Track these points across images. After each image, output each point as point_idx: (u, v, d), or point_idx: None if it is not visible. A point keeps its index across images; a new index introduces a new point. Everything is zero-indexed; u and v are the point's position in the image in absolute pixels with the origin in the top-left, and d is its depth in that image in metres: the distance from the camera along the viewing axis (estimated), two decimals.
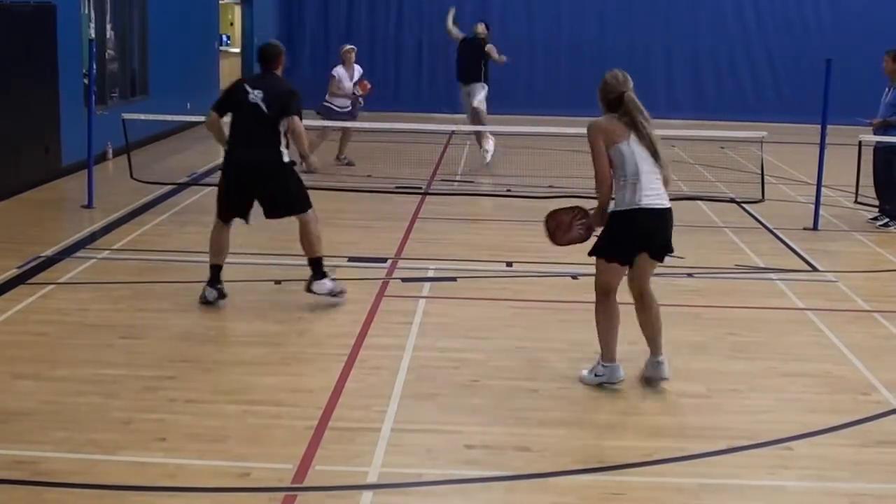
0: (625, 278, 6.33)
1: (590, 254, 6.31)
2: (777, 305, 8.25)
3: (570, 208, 6.47)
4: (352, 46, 15.46)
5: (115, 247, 9.69)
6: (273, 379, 6.32)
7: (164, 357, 6.62)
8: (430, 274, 8.89)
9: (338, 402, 5.92)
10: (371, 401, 5.97)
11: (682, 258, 9.70)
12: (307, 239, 7.86)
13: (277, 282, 8.53)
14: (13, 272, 8.54)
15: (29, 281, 8.34)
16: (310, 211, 7.89)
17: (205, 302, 7.81)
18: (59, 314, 7.49)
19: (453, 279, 8.77)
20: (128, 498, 4.74)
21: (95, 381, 6.13)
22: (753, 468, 5.25)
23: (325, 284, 7.85)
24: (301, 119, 7.78)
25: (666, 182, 6.19)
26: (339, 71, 15.31)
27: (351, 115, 15.26)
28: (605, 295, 6.29)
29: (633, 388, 6.30)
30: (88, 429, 5.45)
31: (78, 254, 9.32)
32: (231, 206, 7.90)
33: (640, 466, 5.23)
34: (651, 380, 6.33)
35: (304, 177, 8.09)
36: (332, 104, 15.20)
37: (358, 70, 15.38)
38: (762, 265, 9.57)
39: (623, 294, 6.33)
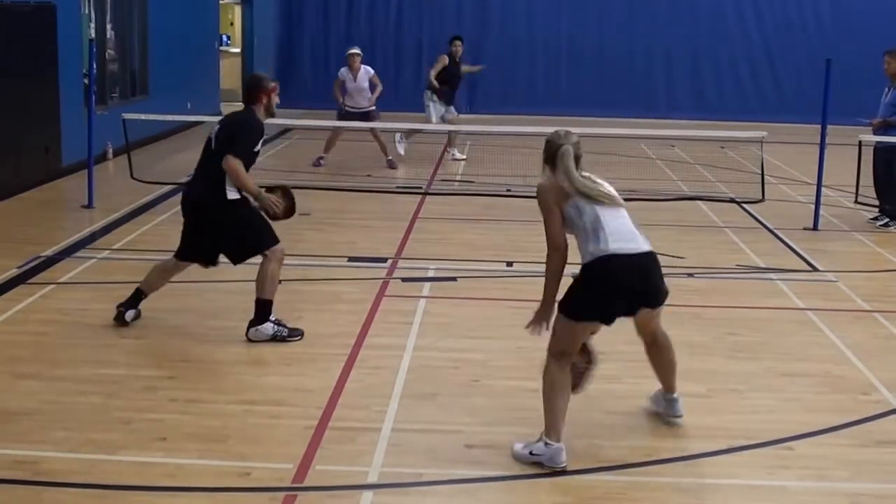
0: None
1: (558, 307, 5.41)
2: (777, 305, 8.25)
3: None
4: (356, 51, 15.25)
5: (115, 247, 9.69)
6: (273, 379, 6.32)
7: (165, 357, 6.62)
8: (431, 274, 8.89)
9: (338, 402, 5.93)
10: (371, 401, 5.97)
11: (682, 258, 9.72)
12: (260, 276, 7.09)
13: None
14: (13, 272, 8.54)
15: (29, 281, 8.35)
16: (274, 249, 7.13)
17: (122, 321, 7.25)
18: (59, 314, 7.49)
19: (453, 279, 8.77)
20: (128, 497, 4.75)
21: (96, 381, 6.13)
22: (753, 468, 5.25)
23: (268, 329, 7.03)
24: (239, 156, 6.88)
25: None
26: (342, 71, 15.29)
27: (368, 116, 15.19)
28: (558, 358, 5.34)
29: (632, 388, 6.30)
30: (89, 429, 5.45)
31: (78, 254, 9.33)
32: (185, 246, 7.31)
33: (640, 466, 5.23)
34: (664, 416, 5.82)
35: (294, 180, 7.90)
36: (344, 105, 15.19)
37: (367, 70, 15.19)
38: (762, 265, 9.57)
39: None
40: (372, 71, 15.32)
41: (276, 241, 7.17)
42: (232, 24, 26.47)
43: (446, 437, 5.51)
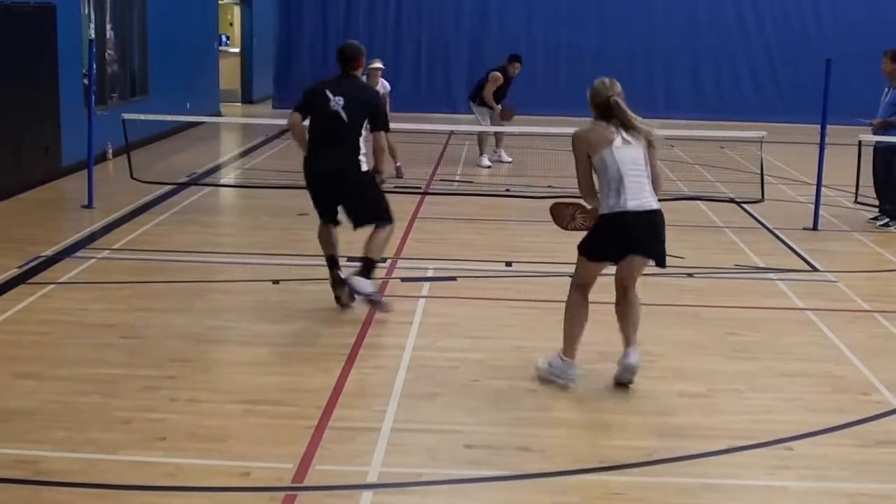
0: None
1: (578, 248, 6.34)
2: (777, 305, 8.25)
3: (568, 205, 6.59)
4: (379, 65, 14.26)
5: (115, 247, 9.69)
6: (273, 379, 6.32)
7: (165, 357, 6.62)
8: (430, 274, 8.89)
9: (338, 401, 5.92)
10: (371, 400, 5.97)
11: (682, 258, 9.71)
12: (375, 240, 7.66)
13: (276, 281, 8.53)
14: (13, 272, 8.54)
15: (29, 281, 8.35)
16: (391, 225, 7.74)
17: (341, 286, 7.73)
18: (59, 314, 7.49)
19: (453, 279, 8.77)
20: (128, 497, 4.74)
21: (96, 381, 6.13)
22: (753, 468, 5.25)
23: (367, 286, 7.46)
24: (388, 130, 7.71)
25: (656, 182, 6.28)
26: None
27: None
28: (580, 290, 6.34)
29: (633, 389, 6.30)
30: (89, 428, 5.45)
31: (78, 254, 9.32)
32: (321, 210, 7.80)
33: (640, 466, 5.22)
34: (624, 372, 6.29)
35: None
36: None
37: (385, 86, 14.27)
38: (762, 265, 9.58)
39: (602, 294, 6.33)
40: (388, 87, 14.49)
41: (393, 218, 7.79)
42: (231, 24, 26.50)
43: (446, 436, 5.51)
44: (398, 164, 14.43)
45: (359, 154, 7.57)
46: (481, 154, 15.53)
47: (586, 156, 6.12)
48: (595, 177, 6.17)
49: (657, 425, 5.75)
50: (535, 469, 5.16)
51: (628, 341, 6.38)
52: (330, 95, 7.55)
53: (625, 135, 6.12)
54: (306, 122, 7.71)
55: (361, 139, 7.59)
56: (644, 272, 8.43)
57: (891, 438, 5.70)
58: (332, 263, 7.92)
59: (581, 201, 6.48)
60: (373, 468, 5.08)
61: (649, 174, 6.18)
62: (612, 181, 6.05)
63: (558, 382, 6.29)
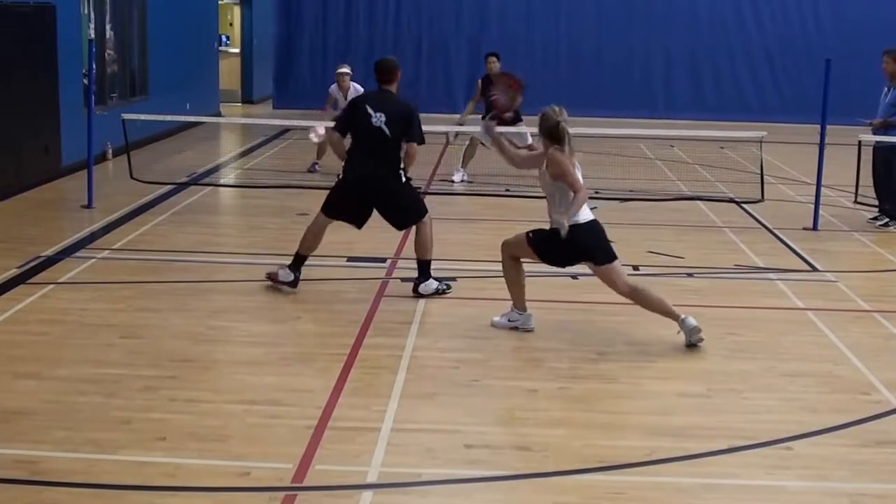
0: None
1: (527, 236, 7.15)
2: (777, 305, 8.25)
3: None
4: (346, 70, 14.42)
5: (114, 247, 9.69)
6: (273, 378, 6.32)
7: (164, 357, 6.62)
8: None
9: (338, 401, 5.92)
10: (370, 400, 5.97)
11: (681, 258, 9.72)
12: (420, 242, 8.24)
13: None
14: (13, 272, 8.54)
15: (29, 281, 8.35)
16: (428, 216, 8.29)
17: (276, 280, 8.15)
18: (59, 314, 7.49)
19: (453, 279, 8.77)
20: (128, 497, 4.74)
21: (95, 381, 6.13)
22: (753, 468, 5.25)
23: (432, 285, 8.18)
24: (423, 142, 8.24)
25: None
26: (332, 89, 14.82)
27: None
28: (514, 260, 7.29)
29: (632, 388, 6.31)
30: (88, 428, 5.45)
31: (78, 254, 9.32)
32: (342, 211, 8.24)
33: (640, 466, 5.22)
34: (692, 341, 7.01)
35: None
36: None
37: (356, 89, 14.05)
38: (762, 265, 9.58)
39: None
40: (361, 89, 14.01)
41: (426, 210, 8.37)
42: (231, 24, 26.50)
43: (445, 436, 5.51)
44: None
45: (399, 166, 8.12)
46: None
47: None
48: (551, 194, 7.03)
49: (657, 425, 5.75)
50: (535, 469, 5.17)
51: (675, 318, 7.07)
52: (371, 112, 8.01)
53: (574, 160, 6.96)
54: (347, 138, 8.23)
55: (402, 152, 8.14)
56: (644, 272, 8.47)
57: (891, 438, 5.70)
58: (302, 263, 8.26)
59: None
60: (373, 468, 5.08)
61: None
62: (558, 199, 6.95)
63: (518, 329, 7.25)
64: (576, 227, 6.83)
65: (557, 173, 6.91)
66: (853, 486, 5.08)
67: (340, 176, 8.26)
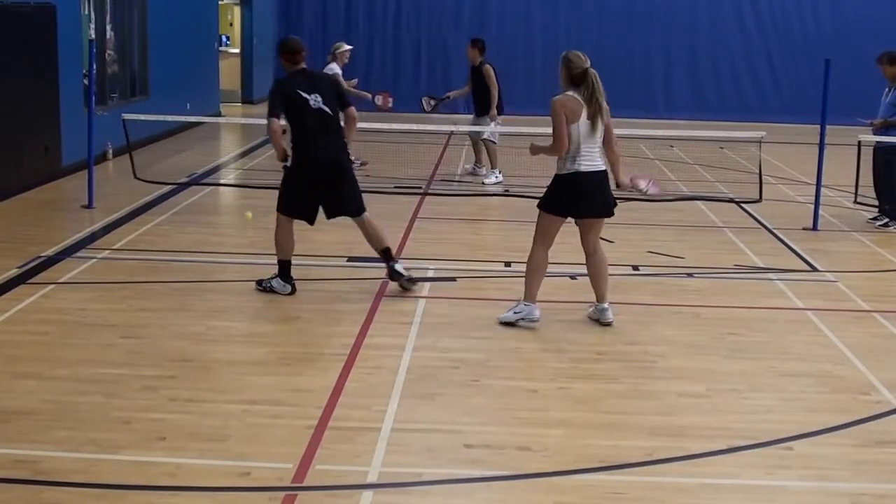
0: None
1: (538, 206, 7.42)
2: (777, 305, 8.26)
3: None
4: (350, 47, 14.81)
5: (115, 247, 9.69)
6: (273, 378, 6.32)
7: (165, 357, 6.62)
8: (430, 274, 8.88)
9: (338, 401, 5.93)
10: (371, 400, 5.97)
11: (681, 258, 9.72)
12: (375, 233, 8.25)
13: None
14: (14, 272, 8.54)
15: (29, 281, 8.35)
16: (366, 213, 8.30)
17: (267, 290, 8.12)
18: (59, 314, 7.49)
19: (453, 279, 8.77)
20: (128, 497, 4.75)
21: (96, 381, 6.13)
22: (753, 468, 5.25)
23: (400, 268, 8.22)
24: (351, 104, 8.27)
25: (610, 140, 7.40)
26: (333, 66, 14.93)
27: None
28: (540, 245, 7.40)
29: (632, 388, 6.31)
30: (89, 428, 5.45)
31: (78, 254, 9.33)
32: (298, 206, 8.19)
33: (640, 466, 5.23)
34: (598, 321, 7.50)
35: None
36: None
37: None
38: (762, 265, 9.58)
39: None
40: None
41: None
42: (231, 24, 26.49)
43: (446, 436, 5.51)
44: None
45: (346, 144, 8.16)
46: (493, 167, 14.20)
47: (564, 118, 7.11)
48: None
49: (657, 425, 5.75)
50: (535, 469, 5.17)
51: (602, 299, 7.52)
52: (305, 95, 7.95)
53: (587, 109, 7.15)
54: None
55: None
56: (643, 272, 8.47)
57: (891, 438, 5.70)
58: (289, 268, 8.19)
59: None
60: (373, 468, 5.08)
61: (600, 143, 7.31)
62: (572, 150, 7.18)
63: (524, 322, 7.38)
64: (575, 174, 7.20)
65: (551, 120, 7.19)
66: (853, 486, 5.08)
67: (289, 166, 8.12)
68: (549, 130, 7.28)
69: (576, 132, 7.16)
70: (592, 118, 7.18)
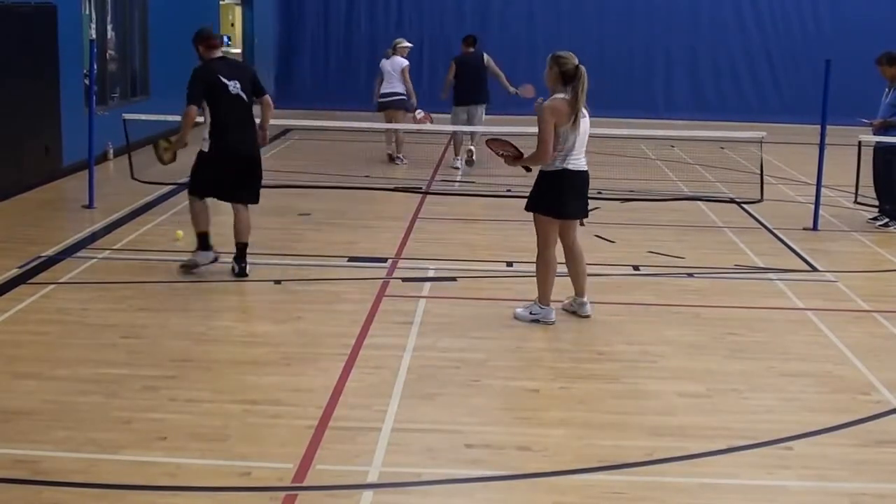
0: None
1: (525, 209, 7.51)
2: (777, 305, 8.26)
3: (503, 143, 7.59)
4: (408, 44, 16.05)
5: (115, 247, 9.69)
6: (273, 378, 6.32)
7: (165, 357, 6.63)
8: (431, 274, 8.89)
9: (338, 401, 5.93)
10: (371, 400, 5.98)
11: (681, 258, 9.72)
12: (246, 225, 8.50)
13: (277, 282, 8.53)
14: (14, 272, 8.55)
15: (30, 281, 8.35)
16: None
17: (193, 267, 8.57)
18: (59, 314, 7.49)
19: (453, 279, 8.78)
20: (128, 497, 4.75)
21: (96, 381, 6.14)
22: (753, 468, 5.26)
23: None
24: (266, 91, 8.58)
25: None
26: (401, 60, 15.62)
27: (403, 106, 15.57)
28: (544, 247, 7.45)
29: (633, 388, 6.31)
30: (89, 428, 5.45)
31: (79, 254, 9.33)
32: (209, 186, 8.53)
33: (640, 466, 5.23)
34: (575, 314, 7.69)
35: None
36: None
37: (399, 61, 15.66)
38: (762, 265, 9.58)
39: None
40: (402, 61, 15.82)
41: None
42: (232, 24, 26.51)
43: (446, 436, 5.52)
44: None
45: (260, 135, 8.57)
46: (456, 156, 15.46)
47: (553, 124, 7.16)
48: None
49: (657, 425, 5.76)
50: (535, 469, 5.17)
51: (581, 292, 7.70)
52: (226, 81, 8.29)
53: (573, 108, 7.19)
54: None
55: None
56: (644, 272, 8.48)
57: (890, 438, 5.70)
58: (208, 239, 8.66)
59: (511, 144, 7.55)
60: (373, 468, 5.08)
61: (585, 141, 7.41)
62: (565, 149, 7.24)
63: (539, 322, 7.46)
64: (563, 171, 7.29)
65: (537, 121, 7.27)
66: (853, 485, 5.08)
67: (206, 151, 8.45)
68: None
69: (567, 134, 7.22)
70: (577, 117, 7.24)
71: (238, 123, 8.35)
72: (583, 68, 7.23)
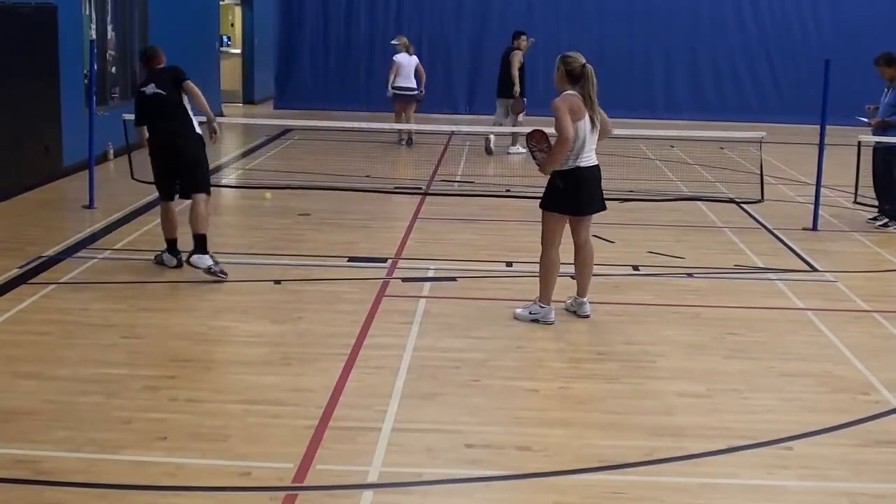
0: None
1: (540, 206, 7.50)
2: (777, 305, 8.26)
3: (541, 137, 7.47)
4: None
5: (116, 247, 9.70)
6: (273, 378, 6.33)
7: (165, 357, 6.63)
8: (431, 274, 8.90)
9: (338, 401, 5.93)
10: (371, 400, 5.98)
11: (681, 258, 9.73)
12: (200, 216, 8.60)
13: (277, 282, 8.54)
14: (14, 272, 8.55)
15: (30, 281, 8.36)
16: (208, 196, 8.78)
17: (160, 263, 8.92)
18: (60, 314, 7.50)
19: (453, 279, 8.78)
20: (129, 497, 4.75)
21: (96, 381, 6.14)
22: (753, 468, 5.26)
23: (206, 260, 8.48)
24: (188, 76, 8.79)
25: (605, 128, 7.47)
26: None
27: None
28: (549, 246, 7.46)
29: (633, 388, 6.32)
30: (90, 428, 5.46)
31: (79, 254, 9.34)
32: (163, 186, 9.00)
33: (640, 466, 5.24)
34: (574, 313, 7.70)
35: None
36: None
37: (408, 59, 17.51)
38: (762, 265, 9.58)
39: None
40: (410, 59, 17.75)
41: (210, 190, 8.91)
42: (232, 24, 26.50)
43: (446, 436, 5.52)
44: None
45: (192, 123, 8.84)
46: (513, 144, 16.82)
47: (569, 115, 7.15)
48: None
49: (657, 425, 5.76)
50: (535, 469, 5.18)
51: (583, 292, 7.71)
52: (144, 89, 8.84)
53: (585, 105, 7.24)
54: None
55: (189, 111, 8.87)
56: (644, 272, 8.49)
57: (890, 438, 5.71)
58: (174, 245, 8.93)
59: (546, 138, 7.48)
60: (373, 468, 5.09)
61: (596, 140, 7.42)
62: (576, 147, 7.24)
63: (539, 322, 7.47)
64: (576, 169, 7.31)
65: (555, 118, 7.22)
66: (853, 485, 5.09)
67: (149, 151, 8.93)
68: (551, 130, 7.30)
69: (582, 129, 7.23)
70: (591, 115, 7.28)
71: (161, 117, 8.76)
72: (590, 67, 7.27)
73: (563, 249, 7.58)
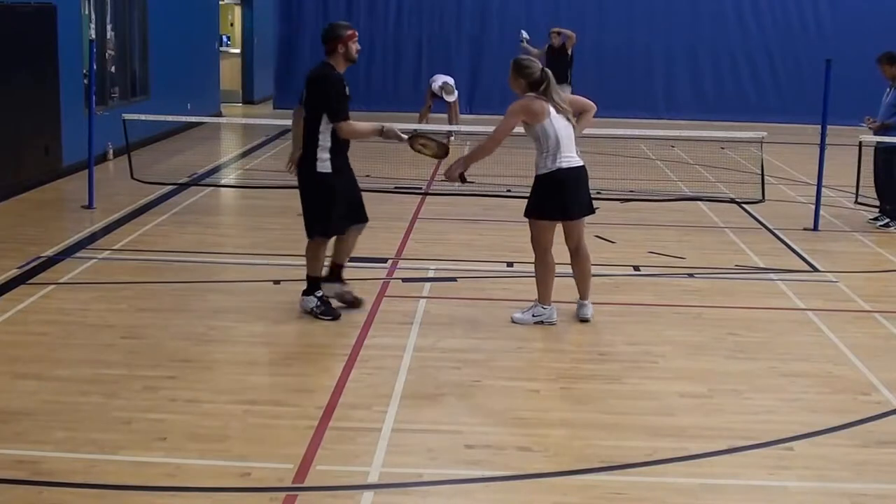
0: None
1: (525, 215, 7.39)
2: (777, 305, 8.25)
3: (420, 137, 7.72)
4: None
5: (115, 247, 9.69)
6: (273, 379, 6.32)
7: (165, 357, 6.62)
8: (431, 274, 8.89)
9: (338, 402, 5.92)
10: (372, 401, 5.97)
11: (682, 258, 9.72)
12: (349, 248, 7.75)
13: (277, 282, 8.53)
14: (14, 272, 8.55)
15: (30, 281, 8.35)
16: (317, 241, 7.43)
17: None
18: (59, 314, 7.49)
19: (453, 279, 8.77)
20: (128, 497, 4.75)
21: (96, 381, 6.13)
22: (753, 468, 5.25)
23: (311, 302, 7.49)
24: (345, 118, 7.10)
25: (585, 110, 7.43)
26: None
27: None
28: (543, 251, 7.39)
29: (633, 389, 6.31)
30: (89, 428, 5.45)
31: (78, 254, 9.33)
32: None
33: (640, 466, 5.23)
34: (578, 318, 7.59)
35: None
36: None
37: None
38: (762, 265, 9.58)
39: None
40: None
41: (325, 234, 7.49)
42: (232, 24, 26.50)
43: (446, 437, 5.51)
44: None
45: (315, 147, 7.21)
46: None
47: (519, 122, 7.18)
48: (535, 143, 7.28)
49: (657, 425, 5.75)
50: (535, 469, 5.17)
51: (584, 295, 7.63)
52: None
53: (552, 105, 7.16)
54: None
55: (320, 131, 7.18)
56: (644, 272, 8.47)
57: (891, 438, 5.70)
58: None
59: (427, 135, 7.70)
60: (373, 468, 5.08)
61: (574, 137, 7.29)
62: (551, 148, 7.17)
63: (542, 323, 7.44)
64: (557, 171, 7.19)
65: (503, 117, 7.26)
66: (853, 486, 5.08)
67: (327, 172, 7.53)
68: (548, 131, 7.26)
69: (551, 129, 7.13)
70: (563, 115, 7.20)
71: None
72: (548, 71, 7.21)
73: (557, 251, 7.55)
